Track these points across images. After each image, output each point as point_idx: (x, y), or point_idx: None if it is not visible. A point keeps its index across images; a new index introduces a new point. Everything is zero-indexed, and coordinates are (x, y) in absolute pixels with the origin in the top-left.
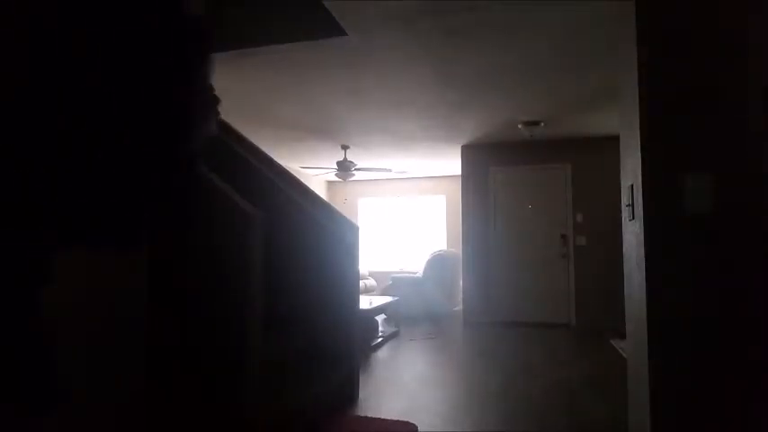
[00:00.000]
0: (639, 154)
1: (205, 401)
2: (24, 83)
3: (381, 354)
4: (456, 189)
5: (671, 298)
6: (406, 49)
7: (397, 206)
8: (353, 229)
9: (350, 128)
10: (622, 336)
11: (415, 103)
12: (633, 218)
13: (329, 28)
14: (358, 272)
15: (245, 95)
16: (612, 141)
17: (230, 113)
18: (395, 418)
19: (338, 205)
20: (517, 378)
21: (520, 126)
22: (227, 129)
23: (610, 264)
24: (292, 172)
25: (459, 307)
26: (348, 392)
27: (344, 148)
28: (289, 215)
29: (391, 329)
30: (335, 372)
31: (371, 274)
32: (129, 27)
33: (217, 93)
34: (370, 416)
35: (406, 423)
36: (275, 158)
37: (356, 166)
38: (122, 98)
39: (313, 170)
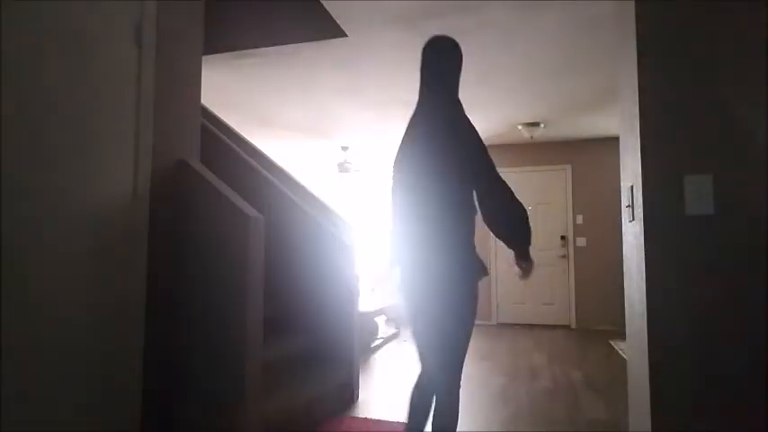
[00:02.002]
0: (639, 154)
1: (205, 403)
2: None
3: (381, 355)
4: None
5: (671, 298)
6: (406, 49)
7: None
8: (352, 231)
9: (350, 128)
10: (622, 336)
11: (415, 103)
12: (633, 219)
13: (329, 29)
14: (357, 273)
15: (245, 96)
16: (612, 142)
17: (230, 114)
18: (395, 419)
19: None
20: (518, 379)
21: (520, 127)
22: (226, 129)
23: (610, 265)
24: (292, 173)
25: None
26: (348, 394)
27: (344, 148)
28: (288, 216)
29: (391, 331)
30: (335, 373)
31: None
32: None
33: (217, 93)
34: (369, 417)
35: None
36: (275, 159)
37: (356, 167)
38: None
39: (312, 171)
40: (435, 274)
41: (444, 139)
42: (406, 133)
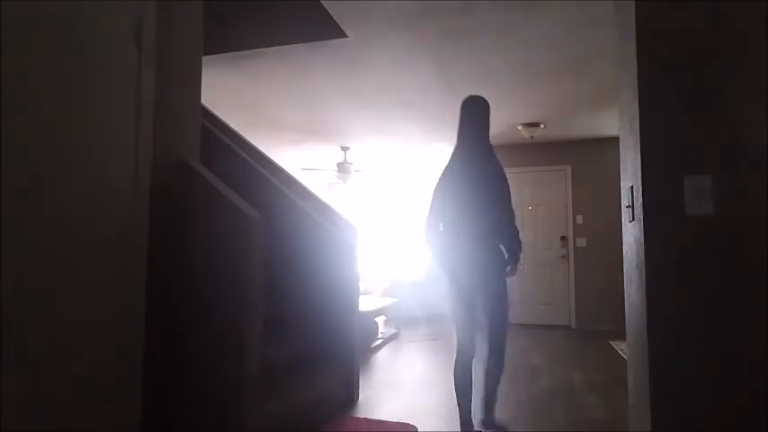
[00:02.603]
0: (639, 154)
1: (205, 403)
2: None
3: (381, 355)
4: None
5: (671, 299)
6: (406, 50)
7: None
8: (353, 231)
9: (350, 129)
10: (622, 337)
11: (414, 104)
12: (633, 219)
13: (329, 29)
14: (358, 273)
15: (245, 96)
16: (612, 142)
17: (231, 114)
18: (395, 419)
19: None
20: (517, 379)
21: (520, 127)
22: (226, 129)
23: (610, 265)
24: (292, 173)
25: None
26: (348, 394)
27: (344, 149)
28: (288, 216)
29: (391, 331)
30: (335, 373)
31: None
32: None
33: (218, 94)
34: (370, 417)
35: (406, 424)
36: (275, 159)
37: (356, 168)
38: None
39: (313, 171)
40: (495, 260)
41: (502, 179)
42: (461, 165)
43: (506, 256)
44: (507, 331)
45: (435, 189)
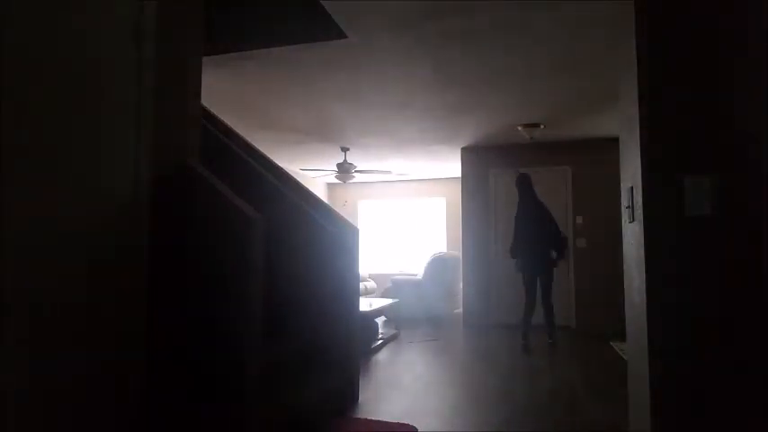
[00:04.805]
0: (639, 155)
1: (205, 403)
2: None
3: (381, 356)
4: (456, 191)
5: (671, 299)
6: (406, 51)
7: (396, 208)
8: (353, 232)
9: (350, 130)
10: (623, 337)
11: (414, 105)
12: (633, 219)
13: (329, 30)
14: (358, 274)
15: (245, 97)
16: (612, 143)
17: (231, 115)
18: (395, 419)
19: (338, 207)
20: (517, 380)
21: (520, 128)
22: (227, 130)
23: (610, 265)
24: (292, 174)
25: (460, 309)
26: (348, 394)
27: (344, 150)
28: (289, 217)
29: (391, 331)
30: (335, 374)
31: (371, 277)
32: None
33: (218, 95)
34: (370, 418)
35: (406, 425)
36: (275, 160)
37: (356, 168)
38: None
39: (313, 172)
40: (546, 256)
41: (547, 211)
42: (525, 205)
43: (555, 255)
44: (552, 296)
45: (514, 225)
